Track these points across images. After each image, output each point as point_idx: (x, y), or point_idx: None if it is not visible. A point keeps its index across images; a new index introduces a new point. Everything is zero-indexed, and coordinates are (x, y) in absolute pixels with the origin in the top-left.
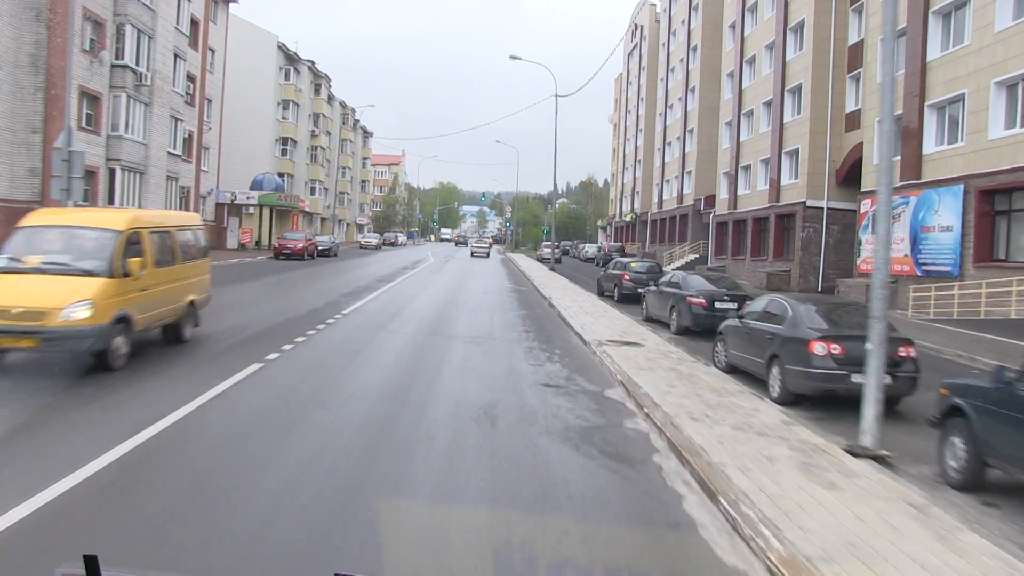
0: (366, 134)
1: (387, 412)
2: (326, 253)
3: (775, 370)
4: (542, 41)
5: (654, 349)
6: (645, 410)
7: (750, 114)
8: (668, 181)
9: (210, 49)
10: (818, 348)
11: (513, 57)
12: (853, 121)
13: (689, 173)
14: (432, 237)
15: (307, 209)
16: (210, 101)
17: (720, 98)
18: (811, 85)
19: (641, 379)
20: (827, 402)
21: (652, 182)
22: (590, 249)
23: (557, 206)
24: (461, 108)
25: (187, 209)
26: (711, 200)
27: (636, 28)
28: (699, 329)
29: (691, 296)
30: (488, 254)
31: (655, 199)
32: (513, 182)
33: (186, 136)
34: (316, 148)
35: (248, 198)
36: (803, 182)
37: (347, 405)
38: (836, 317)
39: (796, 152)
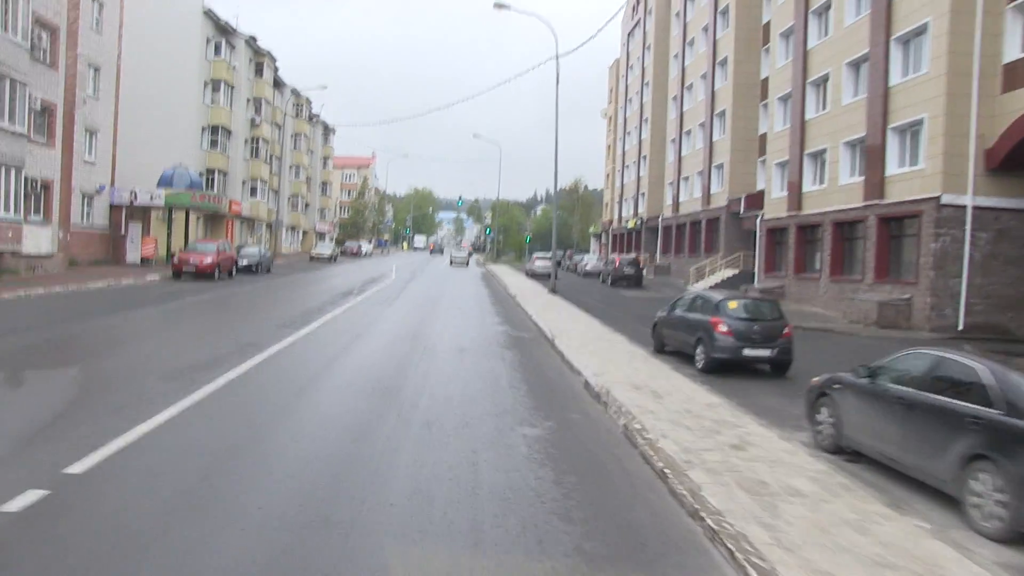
0: (327, 129)
1: None
2: (251, 269)
3: None
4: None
5: None
6: None
7: (822, 81)
8: (687, 179)
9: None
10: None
11: (499, 5)
12: (1019, 74)
13: (719, 167)
14: (404, 246)
15: (245, 214)
16: (96, 69)
17: (763, 70)
18: (948, 24)
19: None
20: None
21: (663, 181)
22: (589, 261)
23: (538, 212)
24: (438, 101)
25: (49, 210)
26: (755, 199)
27: (638, 2)
28: None
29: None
30: (467, 263)
31: (667, 201)
32: (492, 187)
33: (38, 109)
34: (257, 140)
35: (152, 198)
36: (932, 169)
37: None
38: None
39: (917, 125)
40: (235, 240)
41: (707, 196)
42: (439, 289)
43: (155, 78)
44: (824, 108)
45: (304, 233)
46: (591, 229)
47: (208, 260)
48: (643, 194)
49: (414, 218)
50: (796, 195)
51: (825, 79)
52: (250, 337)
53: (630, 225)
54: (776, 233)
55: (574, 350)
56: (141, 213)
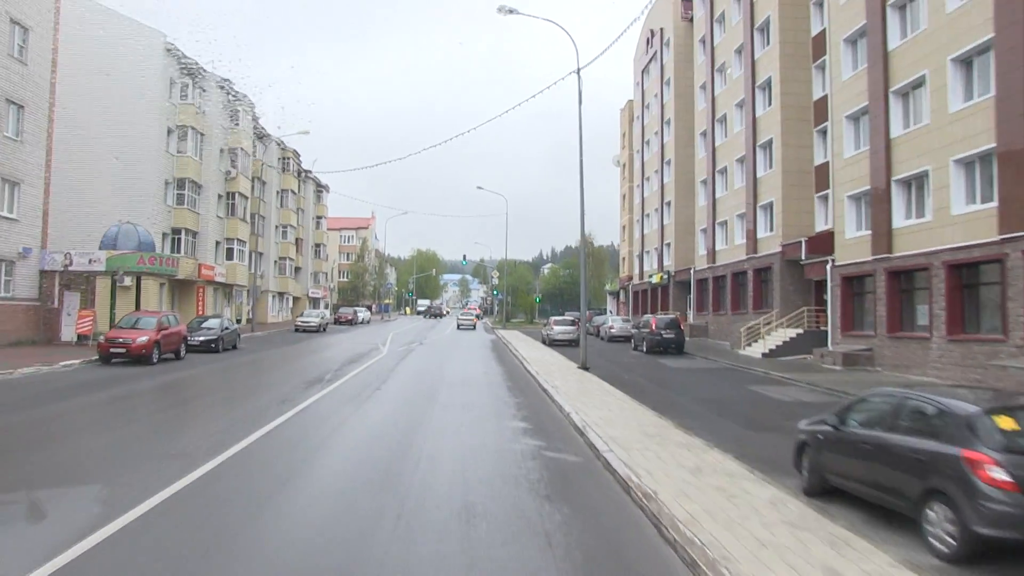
0: (319, 187)
1: None
2: (211, 347)
3: None
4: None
5: None
6: None
7: (912, 90)
8: (724, 223)
9: (14, 23)
10: None
11: (505, 10)
12: None
13: (766, 207)
14: (407, 310)
15: (220, 279)
16: (19, 106)
17: (816, 89)
18: None
19: None
20: None
21: (693, 228)
22: (614, 323)
23: (546, 271)
24: (439, 165)
25: None
26: (821, 242)
27: (652, 34)
28: None
29: None
30: (474, 326)
31: (700, 251)
32: (497, 248)
33: None
34: (234, 196)
35: (91, 262)
36: None
37: None
38: None
39: None
40: (206, 310)
41: (753, 242)
42: (439, 368)
43: (105, 122)
44: (912, 123)
45: (295, 300)
46: (607, 286)
47: (142, 339)
48: (668, 245)
49: (417, 281)
50: (884, 233)
51: (918, 84)
52: (103, 482)
53: (655, 280)
54: (854, 282)
55: (669, 495)
56: (84, 281)
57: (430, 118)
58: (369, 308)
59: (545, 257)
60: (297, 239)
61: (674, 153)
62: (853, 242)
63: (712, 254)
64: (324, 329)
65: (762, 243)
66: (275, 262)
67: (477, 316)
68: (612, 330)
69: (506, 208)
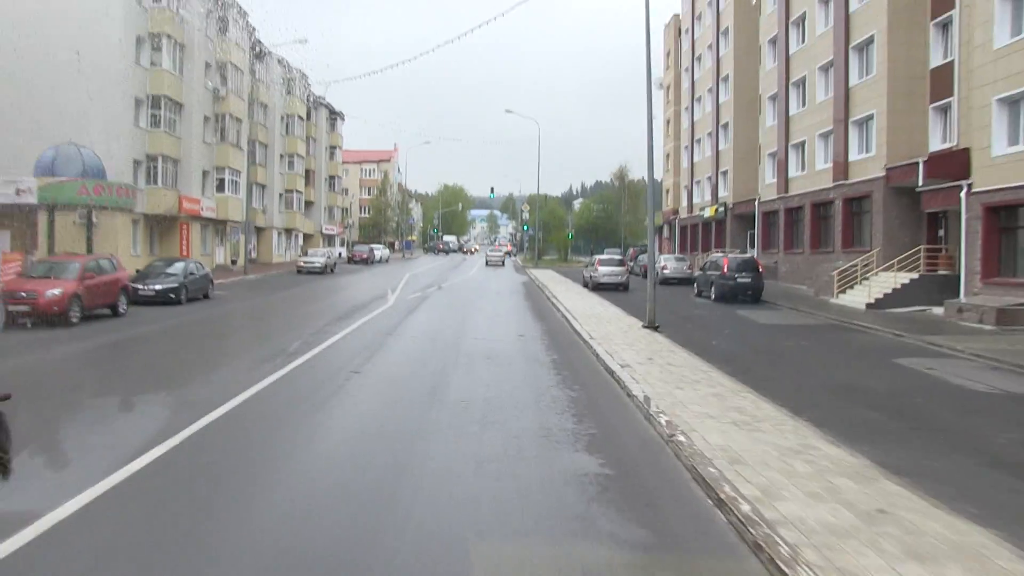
0: (333, 114)
1: None
2: (169, 297)
3: None
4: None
5: None
6: None
7: None
8: (800, 145)
9: None
10: None
11: None
12: None
13: (862, 122)
14: (434, 247)
15: (208, 214)
16: None
17: None
18: None
19: None
20: None
21: (758, 153)
22: (668, 264)
23: (577, 207)
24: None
25: None
26: (948, 163)
27: None
28: None
29: None
30: (503, 263)
31: (767, 179)
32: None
33: None
34: (223, 119)
35: (19, 193)
36: None
37: None
38: None
39: None
40: (192, 251)
41: (842, 166)
42: (455, 330)
43: (54, 26)
44: None
45: (306, 237)
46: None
47: (53, 292)
48: (724, 173)
49: (443, 216)
50: None
51: None
52: None
53: (708, 214)
54: (1004, 214)
55: None
56: (24, 218)
57: (463, 52)
58: (391, 245)
59: (575, 192)
60: (308, 171)
61: (732, 67)
62: (1004, 161)
63: (784, 182)
64: (332, 270)
65: (855, 167)
66: (281, 195)
67: (507, 253)
68: (665, 271)
69: (538, 134)
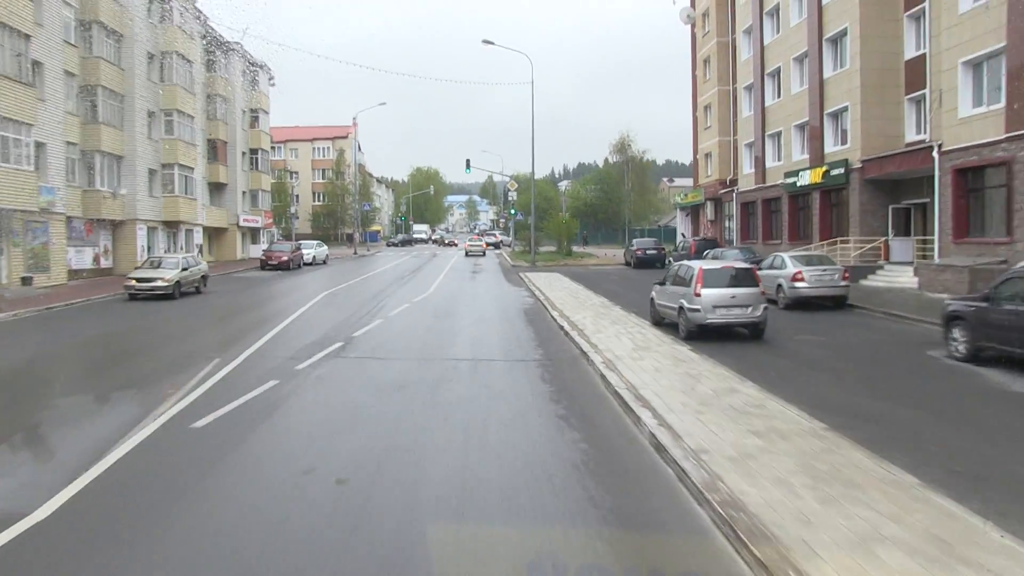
0: (251, 64)
1: None
2: None
3: None
4: None
5: None
6: None
7: None
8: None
9: None
10: None
11: None
12: None
13: None
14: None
15: None
16: None
17: None
18: None
19: None
20: None
21: (899, 78)
22: (804, 272)
23: (564, 189)
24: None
25: None
26: None
27: None
28: None
29: None
30: (484, 252)
31: (970, 108)
32: (512, 159)
33: None
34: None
35: None
36: None
37: None
38: None
39: None
40: None
41: None
42: None
43: None
44: None
45: (215, 233)
46: (678, 199)
47: None
48: (835, 115)
49: (415, 202)
50: None
51: None
52: None
53: (806, 180)
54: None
55: None
56: None
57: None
58: (348, 238)
59: (558, 175)
60: (212, 140)
61: None
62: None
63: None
64: (201, 286)
65: None
66: (153, 172)
67: (495, 244)
68: (798, 285)
69: (531, 70)
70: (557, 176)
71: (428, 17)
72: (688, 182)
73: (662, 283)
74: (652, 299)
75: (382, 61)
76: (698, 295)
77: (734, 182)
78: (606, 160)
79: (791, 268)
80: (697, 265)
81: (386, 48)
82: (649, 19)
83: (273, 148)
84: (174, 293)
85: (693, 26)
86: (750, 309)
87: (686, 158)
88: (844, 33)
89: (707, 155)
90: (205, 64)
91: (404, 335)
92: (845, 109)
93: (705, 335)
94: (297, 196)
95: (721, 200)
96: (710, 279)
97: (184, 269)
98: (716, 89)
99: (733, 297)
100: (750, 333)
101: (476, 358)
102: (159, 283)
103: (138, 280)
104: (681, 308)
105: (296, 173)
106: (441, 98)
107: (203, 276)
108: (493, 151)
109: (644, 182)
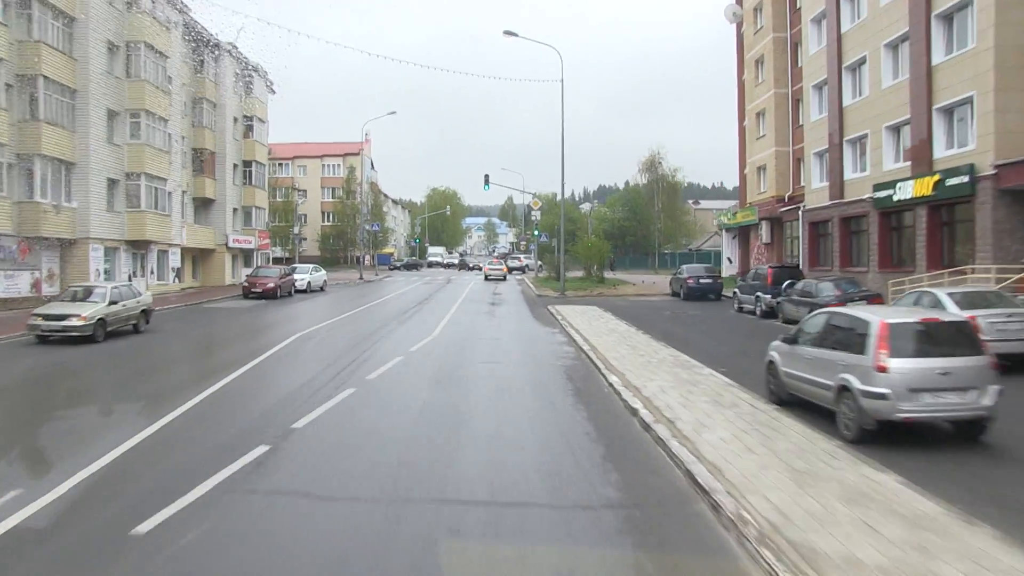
0: (247, 68)
1: None
2: None
3: None
4: None
5: None
6: None
7: None
8: None
9: None
10: None
11: None
12: None
13: None
14: (404, 264)
15: None
16: None
17: None
18: None
19: None
20: None
21: (1021, 87)
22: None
23: (588, 210)
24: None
25: None
26: None
27: None
28: None
29: None
30: (504, 277)
31: None
32: (533, 178)
33: None
34: None
35: None
36: None
37: None
38: None
39: None
40: None
41: None
42: None
43: None
44: None
45: (201, 254)
46: (722, 219)
47: None
48: (950, 112)
49: (431, 223)
50: None
51: None
52: None
53: (910, 194)
54: None
55: None
56: None
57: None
58: (357, 260)
59: (578, 197)
60: (198, 150)
61: None
62: None
63: None
64: (136, 327)
65: None
66: (114, 182)
67: (521, 268)
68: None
69: (561, 67)
70: (578, 198)
71: (440, 27)
72: (715, 203)
73: (791, 340)
74: (772, 363)
75: (394, 54)
76: (883, 369)
77: (797, 198)
78: (631, 181)
79: (953, 311)
80: (875, 317)
81: (402, 50)
82: (668, 42)
83: (280, 165)
84: (95, 335)
85: (739, 25)
86: (974, 394)
87: (708, 180)
88: (965, 4)
89: (759, 168)
90: (192, 66)
91: (376, 431)
92: (966, 101)
93: (881, 434)
94: (304, 216)
95: (780, 219)
96: (901, 341)
97: (113, 303)
98: (772, 92)
99: (945, 374)
100: (956, 429)
101: (496, 501)
102: (73, 322)
103: (45, 318)
104: (843, 388)
105: (304, 191)
106: (459, 109)
107: (144, 311)
108: (513, 169)
109: (675, 203)
